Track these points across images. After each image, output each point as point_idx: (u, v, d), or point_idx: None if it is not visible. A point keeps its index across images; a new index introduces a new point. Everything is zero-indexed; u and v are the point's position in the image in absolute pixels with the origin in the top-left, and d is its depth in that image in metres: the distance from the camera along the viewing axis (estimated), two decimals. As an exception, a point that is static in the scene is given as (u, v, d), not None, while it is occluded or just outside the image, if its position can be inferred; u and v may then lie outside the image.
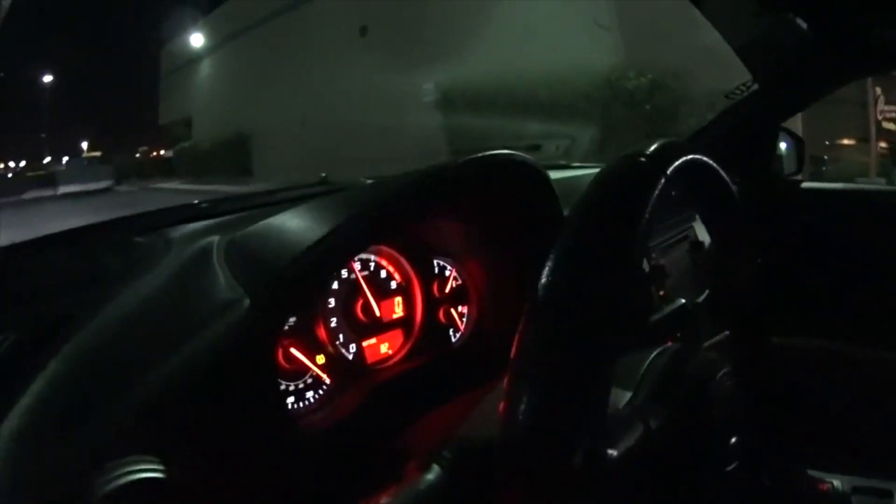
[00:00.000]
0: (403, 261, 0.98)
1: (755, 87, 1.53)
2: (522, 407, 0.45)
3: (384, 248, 0.96)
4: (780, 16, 1.28)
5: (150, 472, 0.47)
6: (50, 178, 21.10)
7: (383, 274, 0.97)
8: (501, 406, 0.47)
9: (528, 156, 0.87)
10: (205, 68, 19.69)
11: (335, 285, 0.89)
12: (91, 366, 0.59)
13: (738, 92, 1.58)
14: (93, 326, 0.62)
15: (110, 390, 0.55)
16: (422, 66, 10.48)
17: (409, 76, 10.60)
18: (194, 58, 20.10)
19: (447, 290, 1.04)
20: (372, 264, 0.95)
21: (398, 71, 10.75)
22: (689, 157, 0.62)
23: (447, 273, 1.04)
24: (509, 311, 0.91)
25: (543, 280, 0.49)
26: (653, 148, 0.58)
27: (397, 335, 0.97)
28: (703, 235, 1.35)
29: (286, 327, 0.81)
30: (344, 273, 0.91)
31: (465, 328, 1.06)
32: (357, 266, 0.93)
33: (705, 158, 0.67)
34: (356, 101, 11.30)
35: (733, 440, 0.65)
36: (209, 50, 19.31)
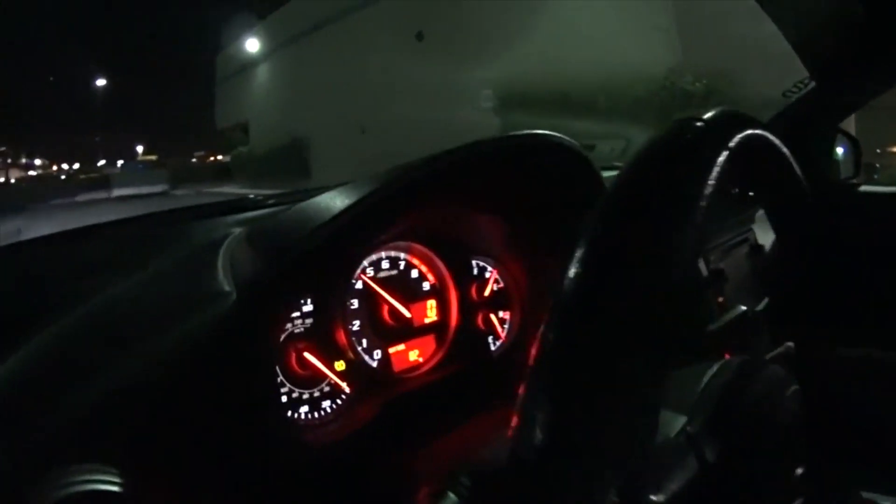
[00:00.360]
0: (438, 260, 0.89)
1: (812, 84, 1.43)
2: (533, 433, 0.34)
3: (416, 246, 0.87)
4: (839, 4, 1.19)
5: (101, 483, 0.40)
6: (104, 181, 21.59)
7: (414, 274, 0.88)
8: (511, 428, 0.36)
9: (570, 139, 0.76)
10: (261, 73, 20.05)
11: (358, 285, 0.81)
12: (51, 363, 0.53)
13: (795, 90, 1.48)
14: (62, 322, 0.56)
15: (67, 390, 0.48)
16: (478, 70, 10.50)
17: (466, 80, 10.60)
18: (251, 63, 20.49)
19: (487, 293, 0.94)
20: (402, 263, 0.87)
21: (455, 75, 10.77)
22: (758, 131, 0.49)
23: (487, 275, 0.95)
24: None
25: (570, 272, 0.37)
26: (714, 113, 0.46)
27: (429, 341, 0.88)
28: (764, 239, 1.29)
29: (300, 329, 0.74)
30: (370, 271, 0.82)
31: (505, 336, 0.95)
32: (385, 265, 0.84)
33: (773, 137, 0.54)
34: (413, 106, 11.34)
35: (799, 471, 0.52)
36: (265, 55, 19.66)
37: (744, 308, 0.75)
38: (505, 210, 0.86)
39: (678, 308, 0.39)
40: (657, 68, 8.15)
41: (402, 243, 0.85)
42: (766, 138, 0.52)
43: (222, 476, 0.51)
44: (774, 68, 1.87)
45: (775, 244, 0.69)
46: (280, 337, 0.72)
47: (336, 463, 0.68)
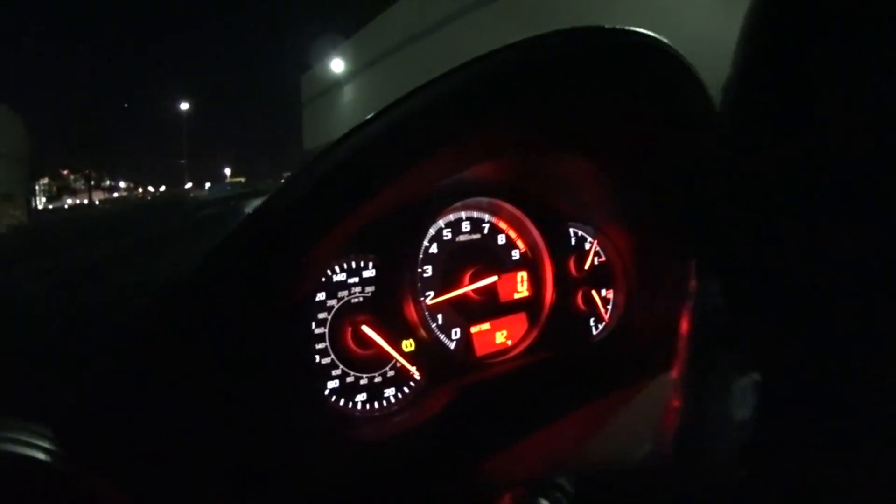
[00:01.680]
0: (530, 225, 0.73)
1: None
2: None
3: (502, 205, 0.72)
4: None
5: (26, 446, 0.32)
6: (190, 202, 22.34)
7: (501, 240, 0.73)
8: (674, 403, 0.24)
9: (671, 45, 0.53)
10: (347, 93, 20.36)
11: (433, 248, 0.66)
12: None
13: None
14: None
15: (27, 342, 0.41)
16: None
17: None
18: (336, 82, 20.85)
19: (587, 267, 0.77)
20: (486, 226, 0.72)
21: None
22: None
23: (587, 246, 0.78)
24: (668, 300, 0.65)
25: None
26: None
27: (520, 321, 0.73)
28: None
29: (358, 298, 0.59)
30: (446, 233, 0.67)
31: (609, 318, 0.78)
32: (465, 227, 0.70)
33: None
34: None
35: None
36: (351, 74, 19.96)
37: None
38: (599, 148, 0.65)
39: None
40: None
41: (483, 200, 0.70)
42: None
43: (226, 471, 0.37)
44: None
45: None
46: (326, 303, 0.58)
47: (397, 464, 0.53)
